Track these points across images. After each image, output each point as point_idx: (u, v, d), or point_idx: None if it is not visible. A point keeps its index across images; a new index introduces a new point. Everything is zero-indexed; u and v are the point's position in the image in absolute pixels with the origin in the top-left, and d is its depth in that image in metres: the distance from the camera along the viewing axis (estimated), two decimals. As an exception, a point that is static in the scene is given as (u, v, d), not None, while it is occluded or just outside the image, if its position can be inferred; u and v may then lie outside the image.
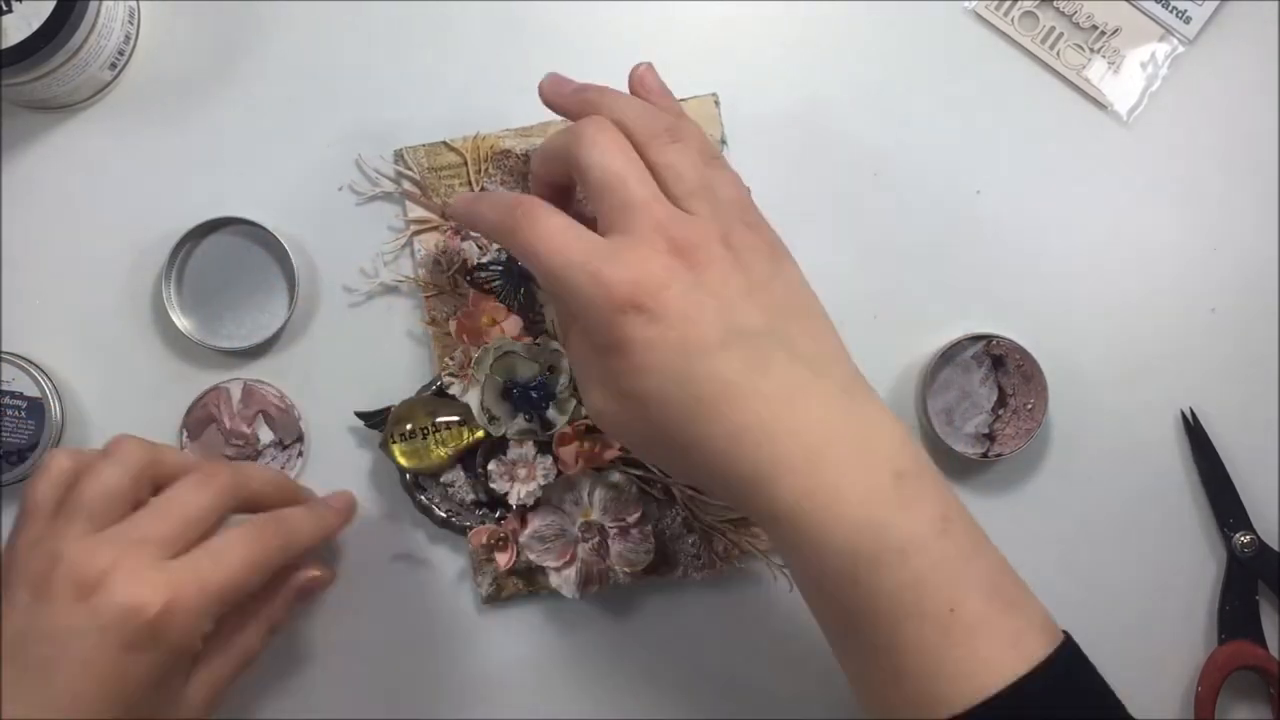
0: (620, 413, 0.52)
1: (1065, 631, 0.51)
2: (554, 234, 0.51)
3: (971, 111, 0.67)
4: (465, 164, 0.65)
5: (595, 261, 0.50)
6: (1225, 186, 0.67)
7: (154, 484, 0.57)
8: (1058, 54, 0.67)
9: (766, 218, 0.55)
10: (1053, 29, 0.67)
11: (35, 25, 0.59)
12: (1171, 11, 0.67)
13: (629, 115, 0.54)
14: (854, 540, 0.49)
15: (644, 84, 0.57)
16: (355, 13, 0.67)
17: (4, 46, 0.59)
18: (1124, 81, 0.67)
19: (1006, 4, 0.67)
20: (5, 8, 0.59)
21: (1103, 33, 0.67)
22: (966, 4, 0.67)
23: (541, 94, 0.57)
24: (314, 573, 0.62)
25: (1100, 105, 0.67)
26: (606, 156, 0.52)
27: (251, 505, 0.59)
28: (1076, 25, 0.67)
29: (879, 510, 0.49)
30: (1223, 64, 0.67)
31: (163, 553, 0.54)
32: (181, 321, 0.65)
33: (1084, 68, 0.67)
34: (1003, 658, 0.48)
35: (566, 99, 0.57)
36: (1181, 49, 0.67)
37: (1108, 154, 0.67)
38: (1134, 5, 0.67)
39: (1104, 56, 0.67)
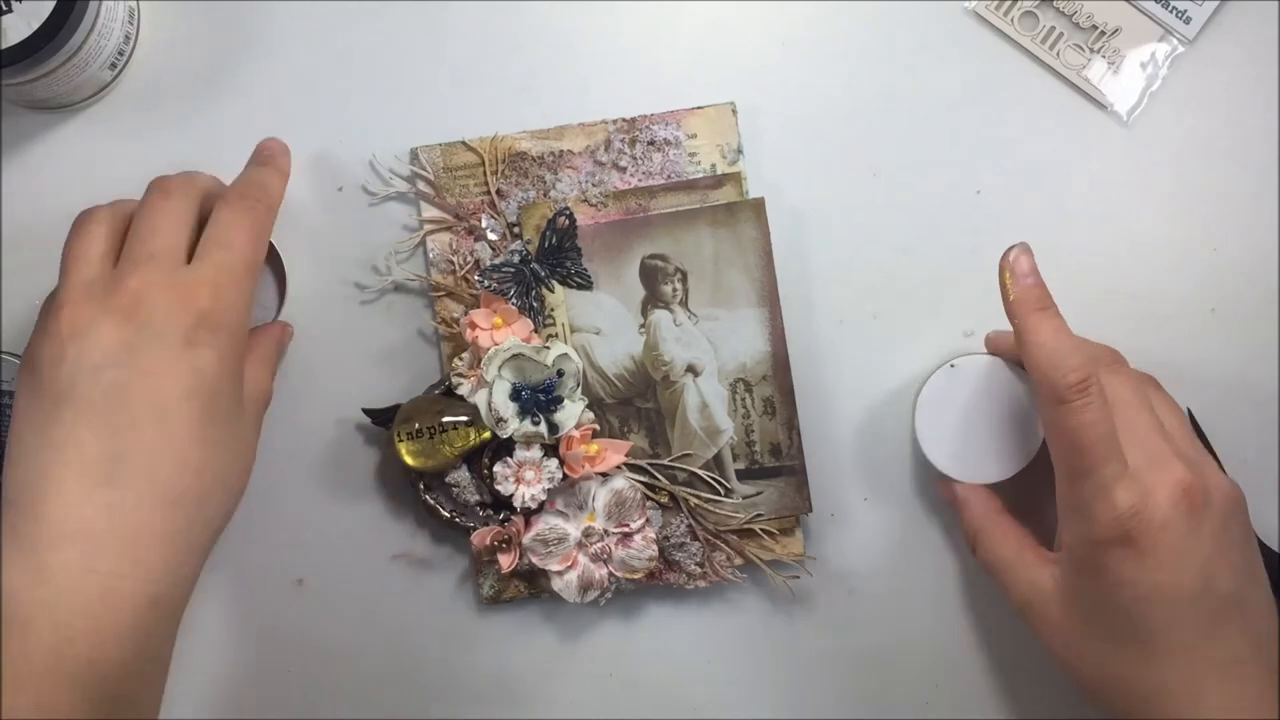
0: (1069, 620, 0.55)
1: None
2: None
3: (971, 111, 0.67)
4: (483, 164, 0.65)
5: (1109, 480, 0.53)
6: (1225, 186, 0.67)
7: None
8: (1058, 54, 0.67)
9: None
10: (1053, 29, 0.67)
11: (35, 25, 0.58)
12: (1171, 11, 0.67)
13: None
14: None
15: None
16: (354, 13, 0.67)
17: (4, 46, 0.58)
18: (1124, 81, 0.67)
19: (1006, 4, 0.67)
20: (5, 8, 0.58)
21: (1103, 33, 0.67)
22: (966, 4, 0.67)
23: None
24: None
25: (1100, 105, 0.67)
26: (1097, 416, 0.53)
27: (214, 190, 0.61)
28: (1076, 25, 0.67)
29: None
30: (1223, 64, 0.67)
31: (177, 261, 0.56)
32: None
33: (1084, 68, 0.67)
34: None
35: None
36: (1181, 49, 0.67)
37: (1108, 154, 0.67)
38: (1134, 5, 0.67)
39: (1104, 56, 0.67)
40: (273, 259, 0.65)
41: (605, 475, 0.64)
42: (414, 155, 0.66)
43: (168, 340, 0.53)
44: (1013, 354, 0.61)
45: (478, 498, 0.64)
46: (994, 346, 0.64)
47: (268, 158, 0.63)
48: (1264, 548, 0.65)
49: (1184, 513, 0.52)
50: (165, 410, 0.53)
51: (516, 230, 0.65)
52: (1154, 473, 0.53)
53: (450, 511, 0.64)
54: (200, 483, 0.54)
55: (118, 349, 0.53)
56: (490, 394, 0.62)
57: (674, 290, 0.65)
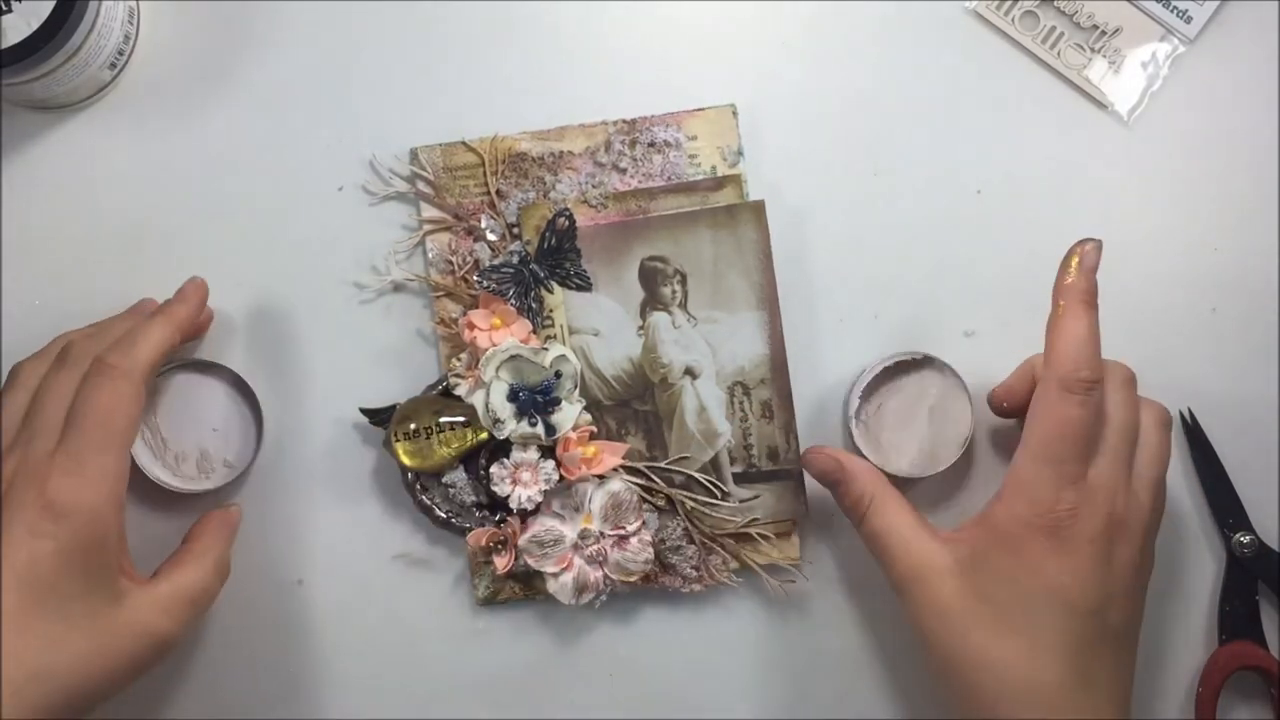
0: (961, 598, 0.57)
1: None
2: None
3: (971, 111, 0.67)
4: (483, 164, 0.65)
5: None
6: (1225, 186, 0.67)
7: None
8: (1058, 54, 0.67)
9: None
10: (1053, 29, 0.67)
11: (35, 25, 0.59)
12: (1172, 11, 0.67)
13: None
14: None
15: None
16: (354, 13, 0.67)
17: (4, 46, 0.58)
18: (1124, 81, 0.67)
19: (1007, 4, 0.67)
20: (5, 8, 0.58)
21: (1103, 32, 0.67)
22: (966, 4, 0.67)
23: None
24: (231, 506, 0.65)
25: (1100, 105, 0.67)
26: (1088, 417, 0.56)
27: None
28: (1077, 25, 0.67)
29: None
30: (1223, 64, 0.67)
31: (48, 442, 0.55)
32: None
33: (1084, 68, 0.67)
34: None
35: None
36: (1182, 49, 0.67)
37: (1108, 154, 0.67)
38: (1135, 5, 0.67)
39: (1105, 56, 0.67)
40: (247, 402, 0.65)
41: (602, 477, 0.64)
42: (414, 155, 0.66)
43: (14, 529, 0.53)
44: (1013, 399, 0.63)
45: (474, 499, 0.64)
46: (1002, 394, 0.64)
47: (165, 304, 0.62)
48: (1264, 548, 0.65)
49: (1106, 541, 0.56)
50: None
51: (516, 231, 0.65)
52: (1101, 493, 0.56)
53: (446, 512, 0.64)
54: (12, 671, 0.52)
55: None
56: (488, 395, 0.62)
57: (673, 292, 0.65)
